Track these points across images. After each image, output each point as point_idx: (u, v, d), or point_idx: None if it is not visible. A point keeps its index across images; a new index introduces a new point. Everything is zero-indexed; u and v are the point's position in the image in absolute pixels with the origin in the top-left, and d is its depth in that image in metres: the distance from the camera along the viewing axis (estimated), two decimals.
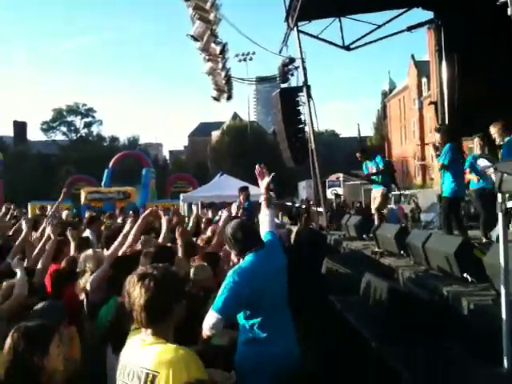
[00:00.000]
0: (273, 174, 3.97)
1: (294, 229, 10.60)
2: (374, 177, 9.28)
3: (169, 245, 5.19)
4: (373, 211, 9.42)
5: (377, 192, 9.26)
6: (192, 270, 3.97)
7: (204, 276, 3.86)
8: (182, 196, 23.71)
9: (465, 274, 4.71)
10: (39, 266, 4.67)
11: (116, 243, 4.99)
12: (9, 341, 2.49)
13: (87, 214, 7.32)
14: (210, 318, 3.16)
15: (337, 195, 24.16)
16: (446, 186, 6.83)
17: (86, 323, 4.00)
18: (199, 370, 2.18)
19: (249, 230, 3.49)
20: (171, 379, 2.10)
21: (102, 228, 8.16)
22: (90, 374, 3.43)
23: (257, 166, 4.03)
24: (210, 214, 10.40)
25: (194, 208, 9.16)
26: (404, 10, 12.02)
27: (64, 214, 9.74)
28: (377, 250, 7.42)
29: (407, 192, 24.73)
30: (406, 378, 2.96)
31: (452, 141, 6.66)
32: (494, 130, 7.00)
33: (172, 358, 2.16)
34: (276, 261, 3.53)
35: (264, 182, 3.95)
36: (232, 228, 3.46)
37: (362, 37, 12.71)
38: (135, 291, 2.25)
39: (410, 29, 12.36)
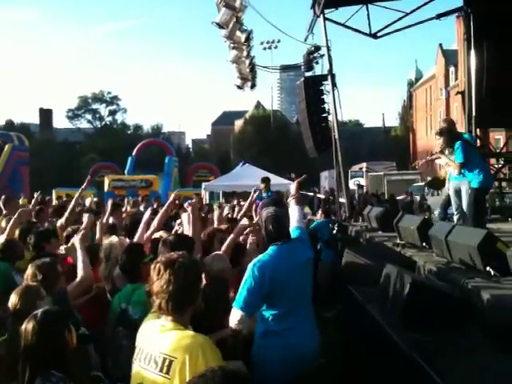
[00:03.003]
0: (304, 175, 4.57)
1: (315, 219, 10.57)
2: None
3: None
4: None
5: None
6: (210, 260, 3.96)
7: (220, 267, 3.84)
8: (203, 185, 23.81)
9: (488, 268, 4.62)
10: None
11: (138, 232, 5.03)
12: (31, 325, 2.46)
13: (110, 202, 7.35)
14: (235, 316, 3.19)
15: (359, 186, 24.04)
16: (473, 179, 6.72)
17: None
18: (216, 357, 2.18)
19: (278, 223, 3.47)
20: (188, 365, 2.11)
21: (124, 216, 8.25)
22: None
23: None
24: (235, 202, 10.53)
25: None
26: None
27: (87, 200, 9.84)
28: (398, 241, 7.34)
29: None
30: (426, 369, 2.93)
31: (456, 140, 6.59)
32: (440, 141, 7.00)
33: (190, 343, 2.18)
34: (300, 255, 3.51)
35: (295, 183, 4.26)
36: (265, 216, 3.49)
37: (390, 24, 12.46)
38: (163, 278, 2.26)
39: (439, 16, 12.09)
